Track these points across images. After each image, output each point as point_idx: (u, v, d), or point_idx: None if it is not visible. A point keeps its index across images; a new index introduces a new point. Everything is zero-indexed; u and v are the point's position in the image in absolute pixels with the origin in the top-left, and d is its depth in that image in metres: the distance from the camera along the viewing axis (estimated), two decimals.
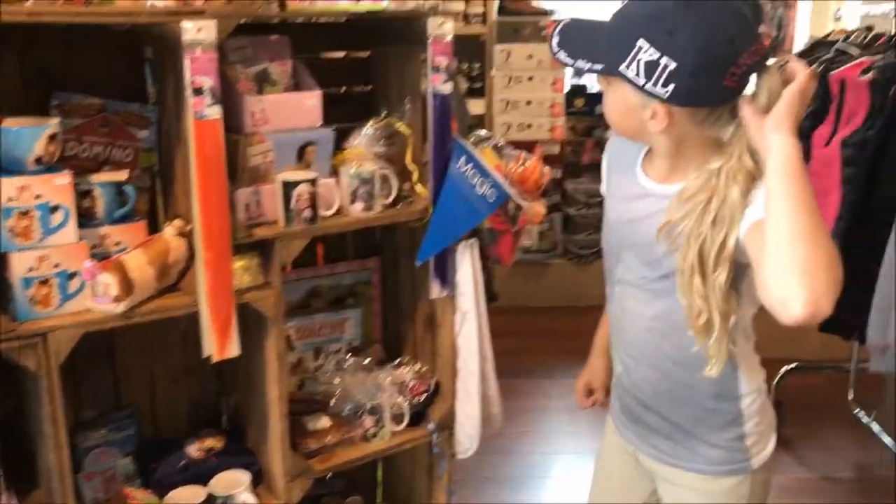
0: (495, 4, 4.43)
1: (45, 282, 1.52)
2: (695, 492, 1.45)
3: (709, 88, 1.19)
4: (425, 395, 2.00)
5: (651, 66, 1.18)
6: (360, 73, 2.10)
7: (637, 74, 1.20)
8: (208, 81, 1.55)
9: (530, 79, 4.42)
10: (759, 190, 1.20)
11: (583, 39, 1.28)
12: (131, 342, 1.89)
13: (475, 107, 4.45)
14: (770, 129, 1.16)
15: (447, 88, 1.86)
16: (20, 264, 1.50)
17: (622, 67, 1.21)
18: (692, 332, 1.29)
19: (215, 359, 1.67)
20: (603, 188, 1.57)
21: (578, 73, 4.19)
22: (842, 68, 2.76)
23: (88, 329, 1.54)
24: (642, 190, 1.38)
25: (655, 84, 1.19)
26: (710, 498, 1.44)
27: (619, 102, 1.28)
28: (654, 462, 1.50)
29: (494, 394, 2.05)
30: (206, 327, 1.65)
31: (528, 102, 4.44)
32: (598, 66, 1.24)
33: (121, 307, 1.55)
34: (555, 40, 1.28)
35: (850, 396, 3.23)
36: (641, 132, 1.31)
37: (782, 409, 3.23)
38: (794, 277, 1.07)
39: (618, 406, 1.57)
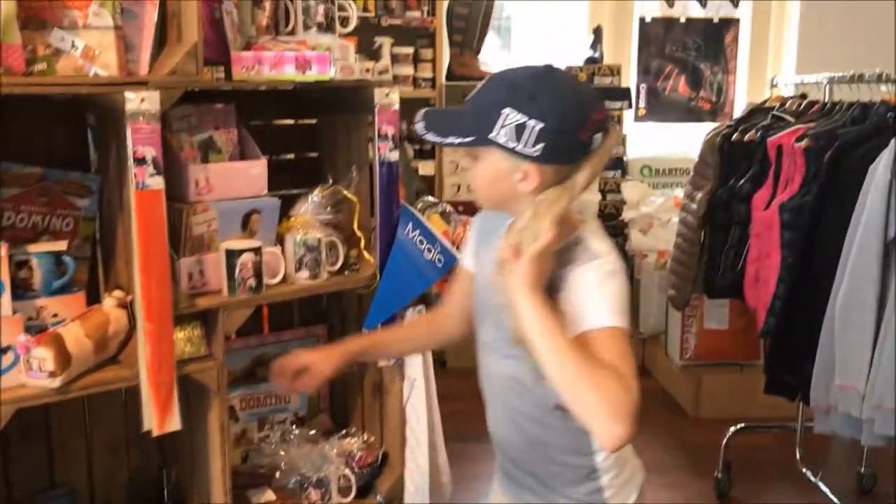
0: (444, 70, 4.51)
1: None
2: None
3: (569, 143, 1.30)
4: (373, 466, 1.96)
5: (520, 129, 1.28)
6: (307, 139, 2.11)
7: (508, 139, 1.29)
8: (151, 151, 1.54)
9: None
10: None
11: (448, 121, 1.37)
12: (67, 415, 1.83)
13: (425, 168, 4.49)
14: (514, 287, 1.25)
15: (394, 156, 1.88)
16: None
17: (493, 135, 1.29)
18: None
19: (155, 433, 1.62)
20: (466, 261, 1.58)
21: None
22: (779, 134, 2.86)
23: (22, 405, 1.49)
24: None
25: (525, 145, 1.28)
26: None
27: (487, 172, 1.34)
28: None
29: (444, 462, 2.02)
30: (147, 401, 1.60)
31: None
32: (469, 139, 1.31)
33: (56, 382, 1.50)
34: (420, 125, 1.36)
35: (798, 456, 3.25)
36: (509, 199, 1.36)
37: (731, 469, 3.26)
38: (588, 419, 1.19)
39: (496, 464, 1.58)
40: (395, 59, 4.38)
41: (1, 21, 1.39)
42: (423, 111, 1.38)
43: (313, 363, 1.59)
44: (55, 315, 1.62)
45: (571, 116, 1.28)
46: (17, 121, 1.69)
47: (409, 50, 4.42)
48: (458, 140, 1.31)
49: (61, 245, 1.65)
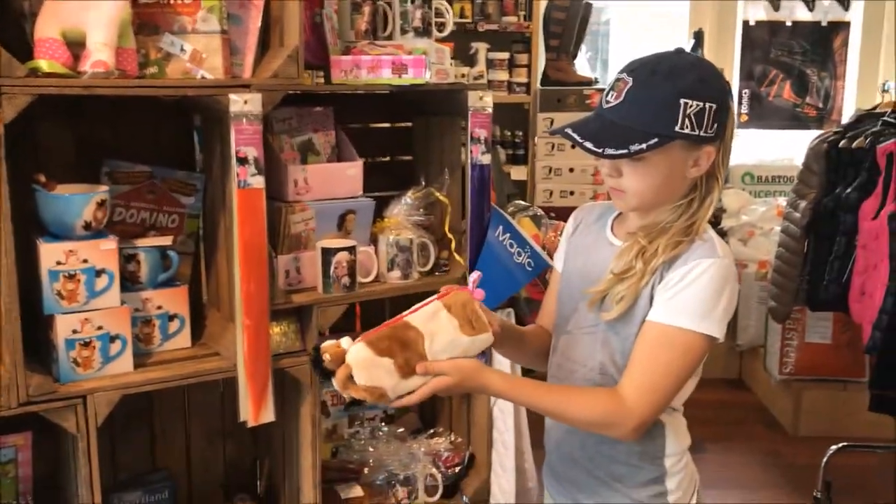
0: (538, 75, 4.49)
1: (87, 344, 1.55)
2: None
3: (727, 116, 1.34)
4: (459, 467, 1.97)
5: (699, 115, 1.29)
6: (402, 142, 2.14)
7: (692, 129, 1.29)
8: (253, 152, 1.59)
9: (573, 146, 4.39)
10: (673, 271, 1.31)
11: (610, 130, 1.31)
12: (167, 403, 1.91)
13: (517, 173, 4.48)
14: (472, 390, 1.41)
15: (486, 159, 1.89)
16: (65, 326, 1.53)
17: (678, 128, 1.28)
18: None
19: (251, 424, 1.68)
20: (558, 264, 1.56)
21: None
22: (890, 141, 2.73)
23: (127, 391, 1.56)
24: (610, 247, 1.43)
25: (705, 129, 1.30)
26: None
27: (663, 168, 1.32)
28: None
29: (530, 467, 2.02)
30: (243, 392, 1.66)
31: (571, 169, 4.44)
32: (653, 140, 1.28)
33: None
34: (589, 144, 1.31)
35: None
36: (674, 193, 1.36)
37: (830, 490, 3.12)
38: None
39: (546, 465, 1.56)
40: (490, 64, 4.38)
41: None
42: (568, 129, 1.35)
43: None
44: (159, 307, 1.69)
45: (728, 90, 1.34)
46: (128, 122, 1.78)
47: (505, 55, 4.42)
48: (641, 145, 1.28)
49: (167, 240, 1.72)
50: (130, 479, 1.88)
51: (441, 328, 1.33)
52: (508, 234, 1.94)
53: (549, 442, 1.52)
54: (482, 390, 1.35)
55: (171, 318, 1.71)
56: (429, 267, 1.90)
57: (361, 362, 1.27)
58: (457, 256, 1.93)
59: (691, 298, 1.29)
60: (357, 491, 1.94)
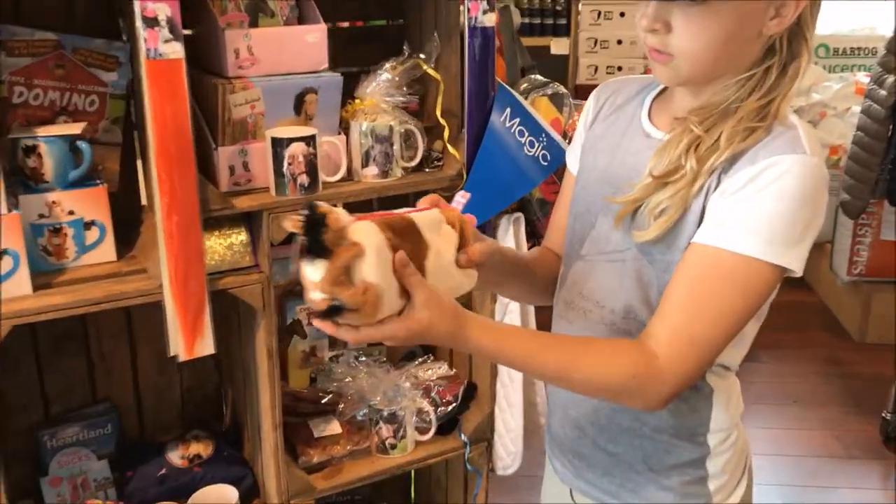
0: None
1: None
2: None
3: None
4: (455, 402, 1.64)
5: None
6: (392, 2, 1.71)
7: None
8: (165, 9, 1.20)
9: (622, 14, 3.92)
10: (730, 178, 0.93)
11: None
12: (106, 326, 1.60)
13: (558, 46, 3.99)
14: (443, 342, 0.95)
15: (489, 20, 1.46)
16: None
17: None
18: None
19: (183, 357, 1.36)
20: (570, 160, 1.18)
21: None
22: None
23: (18, 321, 1.24)
24: (647, 140, 1.04)
25: None
26: None
27: (726, 21, 0.92)
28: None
29: (542, 400, 1.68)
30: (172, 320, 1.33)
31: (619, 41, 3.95)
32: None
33: None
34: None
35: None
36: (738, 58, 0.96)
37: None
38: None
39: (549, 433, 1.20)
40: None
41: None
42: None
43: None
44: (71, 212, 1.35)
45: None
46: None
47: None
48: None
49: (75, 128, 1.37)
50: (66, 414, 1.60)
51: (444, 246, 0.95)
52: (518, 119, 1.53)
53: (551, 397, 1.17)
54: (459, 343, 0.93)
55: (88, 225, 1.37)
56: (415, 161, 1.51)
57: (375, 249, 0.86)
58: (451, 148, 1.53)
59: (761, 211, 0.90)
60: (334, 427, 1.63)
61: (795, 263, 0.91)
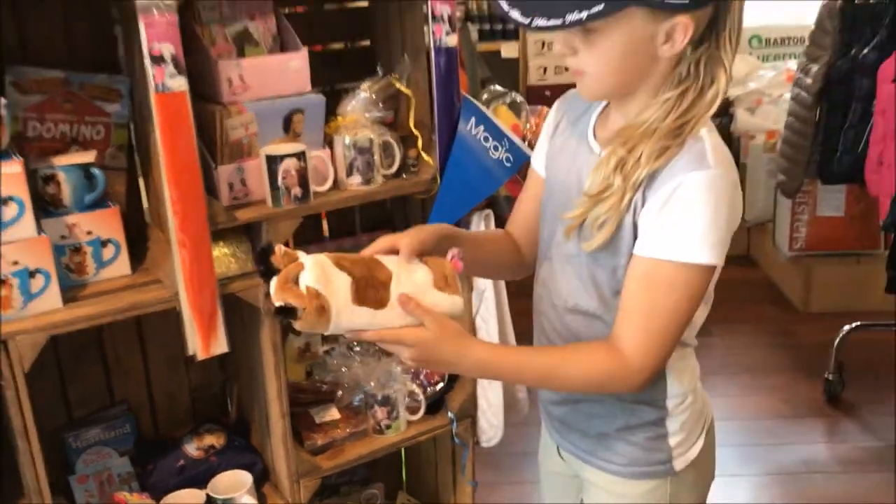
0: None
1: (1, 283, 1.36)
2: (611, 495, 1.29)
3: None
4: (442, 383, 1.82)
5: None
6: (358, 25, 1.88)
7: None
8: (169, 48, 1.36)
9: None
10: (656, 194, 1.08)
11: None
12: (121, 332, 1.75)
13: (509, 50, 4.18)
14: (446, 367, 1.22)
15: (452, 41, 1.64)
16: None
17: None
18: None
19: (200, 356, 1.52)
20: (537, 162, 1.34)
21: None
22: None
23: (55, 332, 1.40)
24: (590, 155, 1.19)
25: None
26: (627, 500, 1.28)
27: (620, 45, 1.05)
28: (575, 460, 1.34)
29: None
30: (189, 323, 1.49)
31: None
32: (599, 7, 0.99)
33: None
34: (516, 13, 1.05)
35: None
36: (641, 77, 1.10)
37: (843, 371, 2.99)
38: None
39: (541, 404, 1.41)
40: None
41: None
42: None
43: (399, 241, 1.20)
44: (89, 232, 1.50)
45: None
46: (32, 21, 1.54)
47: None
48: (582, 14, 0.99)
49: (89, 156, 1.52)
50: (87, 417, 1.75)
51: (413, 273, 1.15)
52: (482, 127, 1.71)
53: None
54: (457, 359, 1.12)
55: (105, 243, 1.52)
56: (394, 169, 1.68)
57: (317, 263, 1.08)
58: (425, 156, 1.71)
59: (681, 224, 1.06)
60: (333, 413, 1.80)
61: (718, 258, 1.08)
